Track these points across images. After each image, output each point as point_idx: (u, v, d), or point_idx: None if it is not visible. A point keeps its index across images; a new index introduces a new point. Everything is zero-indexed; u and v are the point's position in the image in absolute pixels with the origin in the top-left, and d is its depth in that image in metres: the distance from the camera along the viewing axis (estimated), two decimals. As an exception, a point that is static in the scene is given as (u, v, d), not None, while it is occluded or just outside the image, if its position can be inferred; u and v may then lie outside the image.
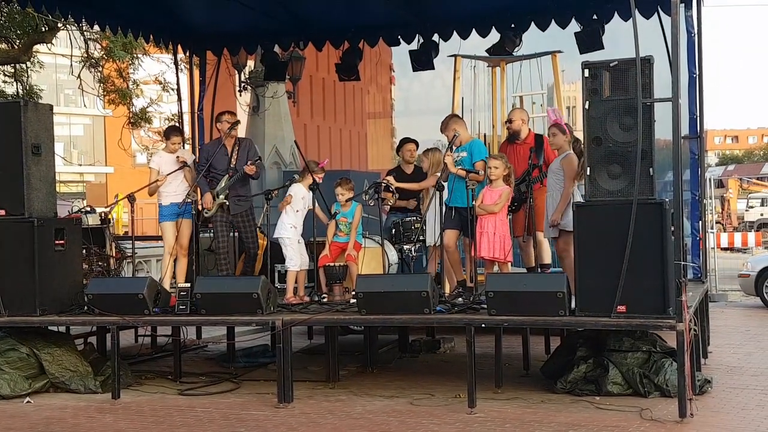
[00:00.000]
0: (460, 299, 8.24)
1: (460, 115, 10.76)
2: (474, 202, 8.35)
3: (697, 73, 9.76)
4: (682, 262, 7.07)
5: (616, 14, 10.30)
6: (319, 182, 9.05)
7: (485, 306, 7.49)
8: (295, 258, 8.92)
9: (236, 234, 9.48)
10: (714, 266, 15.36)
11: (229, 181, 9.15)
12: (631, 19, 7.14)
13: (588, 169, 7.17)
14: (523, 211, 8.76)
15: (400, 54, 12.29)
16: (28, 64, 15.64)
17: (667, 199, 7.04)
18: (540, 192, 8.86)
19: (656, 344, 7.49)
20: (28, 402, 7.86)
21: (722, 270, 16.26)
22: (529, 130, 9.49)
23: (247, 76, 17.58)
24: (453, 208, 8.68)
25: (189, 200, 9.12)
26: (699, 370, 7.83)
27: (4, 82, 16.44)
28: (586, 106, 7.18)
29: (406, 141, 10.47)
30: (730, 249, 20.83)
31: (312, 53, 14.03)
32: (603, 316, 6.95)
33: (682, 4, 8.94)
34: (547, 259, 9.11)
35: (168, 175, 9.15)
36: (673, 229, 6.89)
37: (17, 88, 15.72)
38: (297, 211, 8.96)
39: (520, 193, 8.79)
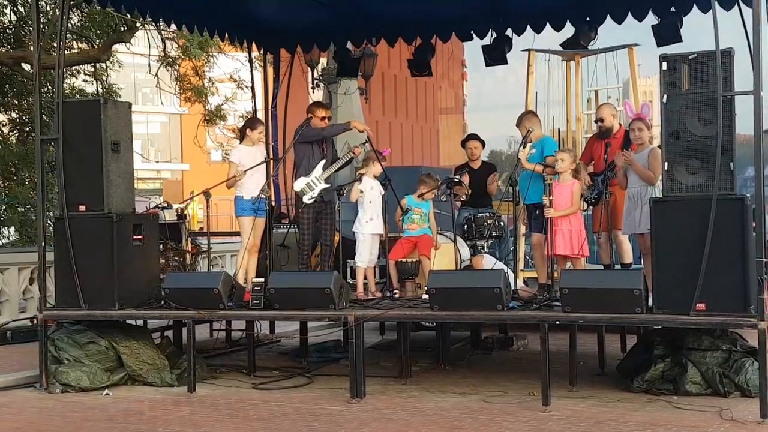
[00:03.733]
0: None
1: (535, 111, 10.63)
2: (544, 197, 8.26)
3: (780, 65, 9.45)
4: (764, 259, 6.87)
5: (695, 6, 10.04)
6: (380, 171, 9.04)
7: (559, 303, 7.39)
8: (364, 254, 8.95)
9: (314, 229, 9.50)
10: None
11: (337, 165, 9.18)
12: (711, 11, 6.97)
13: (666, 163, 7.03)
14: (601, 206, 8.60)
15: (473, 49, 12.26)
16: (108, 63, 15.98)
17: (748, 195, 6.85)
18: (618, 189, 8.69)
19: (737, 343, 7.28)
20: (107, 394, 8.05)
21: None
22: (620, 124, 9.24)
23: (319, 73, 17.71)
24: (533, 207, 8.61)
25: (263, 196, 9.18)
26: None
27: (85, 81, 16.85)
28: (664, 100, 7.03)
29: (469, 138, 10.37)
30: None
31: (384, 50, 14.04)
32: (681, 313, 6.81)
33: (764, -5, 8.68)
34: (628, 258, 8.90)
35: (248, 169, 9.16)
36: (754, 225, 6.71)
37: (97, 87, 16.09)
38: (370, 202, 8.99)
39: (602, 187, 8.62)
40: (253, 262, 9.39)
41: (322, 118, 9.46)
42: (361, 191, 9.01)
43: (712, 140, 6.80)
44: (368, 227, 9.04)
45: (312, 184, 9.25)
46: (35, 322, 9.43)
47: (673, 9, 10.31)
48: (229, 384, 8.38)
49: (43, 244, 8.71)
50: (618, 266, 8.85)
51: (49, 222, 9.46)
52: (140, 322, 9.26)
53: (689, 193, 6.92)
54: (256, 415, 7.14)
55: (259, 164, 9.26)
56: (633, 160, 8.26)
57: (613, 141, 8.96)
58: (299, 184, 9.32)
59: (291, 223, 10.07)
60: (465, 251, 9.72)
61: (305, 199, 9.29)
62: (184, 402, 7.73)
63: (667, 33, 10.28)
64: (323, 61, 17.68)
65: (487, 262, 9.03)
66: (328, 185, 9.28)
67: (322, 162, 9.28)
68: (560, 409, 6.98)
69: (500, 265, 8.79)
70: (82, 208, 8.44)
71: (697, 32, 9.91)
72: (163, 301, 8.49)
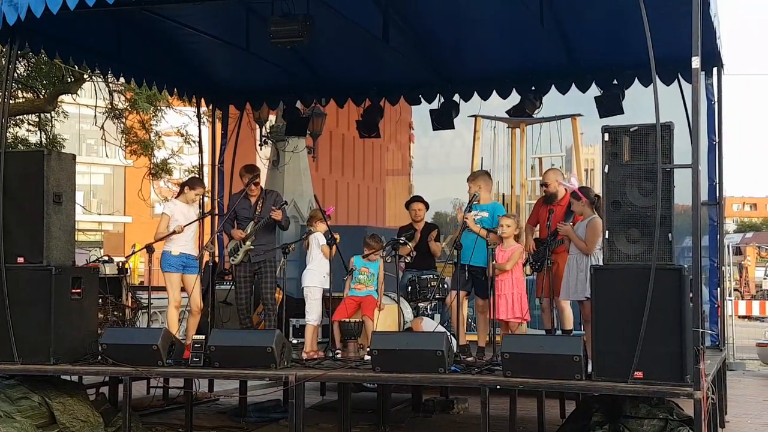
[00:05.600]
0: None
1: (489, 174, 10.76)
2: (493, 262, 8.35)
3: (717, 140, 9.80)
4: (701, 329, 6.99)
5: (636, 80, 10.40)
6: (325, 230, 9.09)
7: (500, 367, 7.42)
8: (314, 312, 8.93)
9: (253, 286, 9.49)
10: (732, 334, 15.16)
11: (255, 226, 9.20)
12: (652, 85, 7.18)
13: (607, 232, 7.15)
14: (545, 272, 8.72)
15: (421, 112, 12.41)
16: (53, 113, 15.83)
17: (685, 266, 6.99)
18: (561, 256, 8.82)
19: (673, 412, 7.34)
20: (37, 451, 7.81)
21: (740, 338, 16.05)
22: (565, 190, 9.39)
23: (268, 131, 17.76)
24: (466, 268, 8.66)
25: (208, 250, 9.17)
26: (717, 440, 7.70)
27: (28, 131, 16.64)
28: (606, 170, 7.18)
29: (413, 200, 10.43)
30: (748, 317, 20.58)
31: (333, 110, 14.19)
32: (620, 381, 6.85)
33: (703, 72, 9.01)
34: (569, 324, 9.00)
35: (187, 225, 9.14)
36: (691, 295, 6.83)
37: (41, 137, 15.90)
38: (320, 259, 8.99)
39: (545, 254, 8.75)
40: (195, 321, 9.27)
41: (252, 184, 9.46)
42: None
43: (652, 211, 6.94)
44: (305, 279, 9.07)
45: (239, 245, 9.29)
46: (-34, 375, 9.13)
47: (615, 82, 10.67)
48: (165, 443, 8.21)
49: (-22, 295, 8.48)
50: (559, 332, 8.93)
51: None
52: (75, 378, 9.04)
53: (629, 262, 7.03)
54: (191, 477, 6.97)
55: (194, 221, 9.23)
56: (570, 231, 8.47)
57: (557, 208, 9.11)
58: (230, 245, 9.45)
59: (233, 280, 10.00)
60: (408, 312, 9.74)
61: (231, 260, 9.42)
62: (117, 461, 7.53)
63: (609, 105, 10.62)
64: (272, 118, 17.77)
65: (426, 324, 9.04)
66: (251, 248, 9.27)
67: (251, 224, 9.31)
68: (499, 474, 6.96)
69: (441, 329, 8.80)
70: (21, 259, 8.27)
71: (639, 104, 10.23)
72: (100, 357, 8.30)
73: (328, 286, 9.07)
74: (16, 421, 7.96)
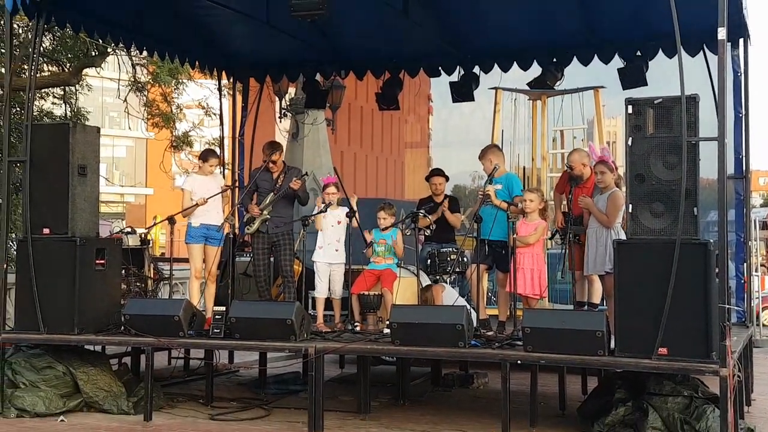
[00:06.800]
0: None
1: (499, 146, 10.69)
2: (514, 235, 8.31)
3: (744, 113, 9.66)
4: (727, 305, 6.93)
5: (660, 51, 10.24)
6: (328, 200, 9.13)
7: (520, 342, 7.40)
8: (317, 283, 9.01)
9: (272, 259, 9.50)
10: (758, 310, 15.03)
11: (274, 197, 9.20)
12: (677, 56, 7.08)
13: (630, 206, 7.09)
14: (578, 247, 8.64)
15: (440, 84, 12.32)
16: (77, 87, 15.87)
17: (711, 240, 6.91)
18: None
19: (698, 389, 7.28)
20: (62, 420, 7.90)
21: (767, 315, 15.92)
22: (591, 169, 9.12)
23: (287, 104, 17.73)
24: (486, 242, 8.62)
25: (229, 222, 9.19)
26: (742, 418, 7.63)
27: (53, 104, 16.70)
28: (629, 143, 7.11)
29: (434, 173, 10.36)
30: (775, 293, 20.39)
31: (352, 82, 14.12)
32: (644, 357, 6.82)
33: (729, 44, 8.86)
34: (596, 298, 8.94)
35: (210, 197, 9.15)
36: (717, 270, 6.76)
37: (65, 110, 15.96)
38: (332, 226, 9.03)
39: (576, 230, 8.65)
40: (213, 291, 9.31)
41: (274, 162, 9.45)
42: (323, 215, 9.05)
43: (676, 184, 6.87)
44: (317, 255, 9.12)
45: (255, 215, 9.29)
46: (-7, 345, 9.24)
47: (639, 53, 10.51)
48: (186, 414, 8.26)
49: (5, 265, 8.58)
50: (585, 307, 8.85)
51: (11, 243, 9.31)
52: (99, 348, 9.12)
53: (653, 237, 6.97)
54: (213, 447, 7.03)
55: (217, 194, 9.24)
56: (591, 204, 8.37)
57: (582, 190, 8.81)
58: (248, 216, 9.46)
59: (252, 252, 10.02)
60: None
61: (247, 230, 9.44)
62: (139, 431, 7.60)
63: (632, 76, 10.47)
64: (291, 91, 17.72)
65: (448, 294, 8.99)
66: (267, 217, 9.26)
67: (270, 195, 9.30)
68: (520, 449, 6.96)
69: (461, 300, 8.77)
70: (46, 231, 8.34)
71: (663, 75, 10.10)
72: (122, 327, 8.38)
73: (339, 261, 9.07)
74: (41, 390, 8.07)
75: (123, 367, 9.06)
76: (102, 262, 8.49)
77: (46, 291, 8.25)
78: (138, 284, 9.86)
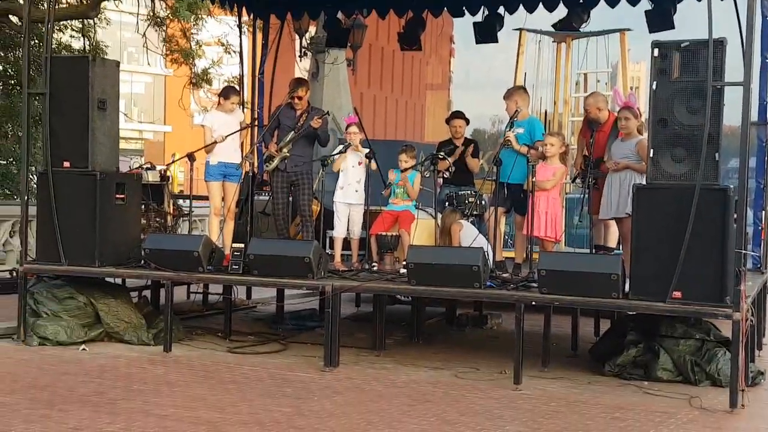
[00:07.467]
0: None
1: (525, 88, 10.58)
2: (533, 179, 8.29)
3: (770, 58, 9.51)
4: (743, 251, 6.93)
5: (689, -7, 10.06)
6: (350, 140, 9.12)
7: (536, 284, 7.44)
8: (336, 223, 9.08)
9: (291, 198, 9.53)
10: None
11: (295, 135, 9.17)
12: (705, -1, 6.95)
13: (651, 150, 7.04)
14: (596, 191, 8.61)
15: (463, 25, 12.17)
16: (96, 20, 15.81)
17: (731, 186, 6.88)
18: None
19: (710, 332, 7.36)
20: (83, 349, 8.06)
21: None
22: (609, 112, 9.03)
23: (308, 42, 17.59)
24: (505, 185, 8.61)
25: (248, 160, 9.21)
26: (753, 362, 7.72)
27: (72, 36, 16.68)
28: (654, 87, 7.03)
29: (454, 116, 10.29)
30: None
31: (373, 21, 13.98)
32: (657, 300, 6.86)
33: (759, -13, 8.69)
34: (613, 242, 8.93)
35: (228, 135, 9.15)
36: (735, 216, 6.75)
37: (84, 44, 15.92)
38: (341, 171, 9.09)
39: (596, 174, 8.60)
40: (230, 228, 9.37)
41: (299, 98, 9.38)
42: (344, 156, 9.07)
43: (699, 130, 6.82)
44: (337, 195, 9.17)
45: (274, 154, 9.26)
46: (15, 274, 9.39)
47: (667, -6, 10.32)
48: (205, 346, 8.40)
49: (26, 198, 8.66)
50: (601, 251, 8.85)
51: (32, 176, 9.38)
52: (119, 281, 9.24)
53: (673, 182, 6.94)
54: (230, 378, 7.16)
55: (236, 132, 9.22)
56: (631, 164, 8.16)
57: (599, 134, 8.75)
58: (267, 153, 9.43)
59: (271, 190, 10.06)
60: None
61: (266, 166, 9.42)
62: (159, 361, 7.75)
63: (659, 19, 10.31)
64: (312, 29, 17.57)
65: (466, 231, 8.96)
66: (287, 155, 9.24)
67: (291, 133, 9.26)
68: (531, 388, 7.05)
69: (481, 238, 8.75)
70: (67, 164, 8.40)
71: (690, 20, 9.92)
72: (142, 261, 8.48)
73: (358, 201, 9.10)
74: (62, 320, 8.23)
75: (143, 300, 9.19)
76: (122, 196, 8.55)
77: (67, 224, 8.34)
78: (158, 219, 9.94)
